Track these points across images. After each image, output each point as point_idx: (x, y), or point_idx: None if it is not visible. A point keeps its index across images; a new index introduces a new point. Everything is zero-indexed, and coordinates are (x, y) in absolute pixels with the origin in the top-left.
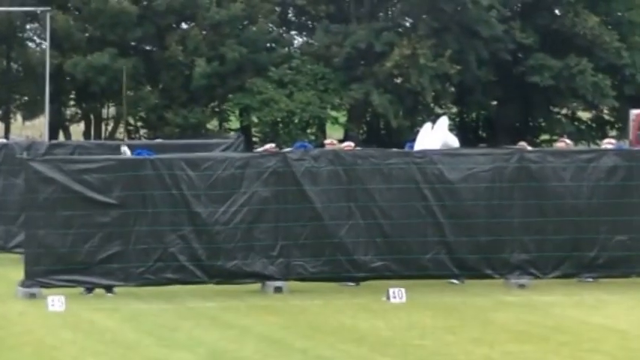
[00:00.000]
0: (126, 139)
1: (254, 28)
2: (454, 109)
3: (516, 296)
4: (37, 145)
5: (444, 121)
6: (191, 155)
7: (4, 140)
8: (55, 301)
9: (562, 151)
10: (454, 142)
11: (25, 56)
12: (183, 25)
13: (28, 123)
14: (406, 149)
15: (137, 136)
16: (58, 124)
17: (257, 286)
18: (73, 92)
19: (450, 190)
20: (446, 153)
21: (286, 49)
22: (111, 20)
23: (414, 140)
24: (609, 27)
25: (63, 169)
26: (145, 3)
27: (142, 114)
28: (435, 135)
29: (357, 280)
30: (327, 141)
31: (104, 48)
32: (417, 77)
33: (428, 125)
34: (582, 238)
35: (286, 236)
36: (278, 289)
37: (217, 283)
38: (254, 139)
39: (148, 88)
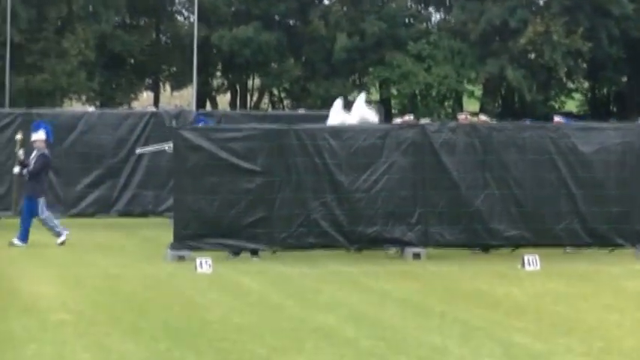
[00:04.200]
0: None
1: (393, 5)
2: (586, 84)
3: None
4: (185, 114)
5: (361, 98)
6: (333, 125)
7: (154, 109)
8: (203, 263)
9: None
10: (372, 116)
11: (173, 29)
12: (325, 1)
13: (176, 93)
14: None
15: (280, 106)
16: (205, 95)
17: (392, 251)
18: (220, 64)
19: (582, 162)
20: (579, 127)
21: (424, 24)
22: None
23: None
24: None
25: (210, 137)
26: None
27: (286, 85)
28: (354, 110)
29: (491, 248)
30: (461, 116)
31: (249, 22)
32: (550, 53)
33: (338, 101)
34: None
35: (424, 204)
36: (416, 256)
37: (358, 248)
38: (393, 110)
39: (291, 60)
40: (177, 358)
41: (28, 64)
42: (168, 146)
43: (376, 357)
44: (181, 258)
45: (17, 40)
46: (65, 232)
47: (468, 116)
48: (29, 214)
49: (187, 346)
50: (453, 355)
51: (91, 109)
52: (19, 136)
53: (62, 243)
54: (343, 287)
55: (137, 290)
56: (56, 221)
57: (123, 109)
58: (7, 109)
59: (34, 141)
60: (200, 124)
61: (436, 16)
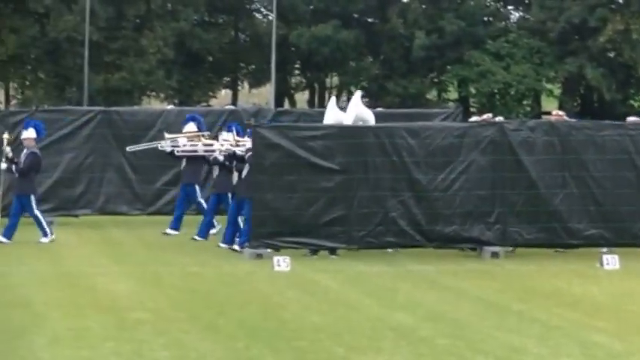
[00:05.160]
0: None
1: (472, 3)
2: None
3: None
4: (264, 112)
5: (357, 96)
6: (411, 124)
7: (232, 107)
8: (281, 261)
9: None
10: (369, 116)
11: (252, 27)
12: None
13: (254, 91)
14: None
15: None
16: (283, 93)
17: (469, 251)
18: (298, 62)
19: None
20: None
21: (503, 23)
22: None
23: None
24: None
25: (288, 135)
26: None
27: (364, 84)
28: (349, 109)
29: (570, 247)
30: (554, 112)
31: (328, 20)
32: (629, 52)
33: (333, 100)
34: None
35: (503, 203)
36: (494, 254)
37: (436, 247)
38: (471, 109)
39: (370, 58)
40: (254, 357)
41: (107, 62)
42: (160, 145)
43: (454, 356)
44: (259, 256)
45: (96, 39)
46: (51, 236)
47: (560, 112)
48: (18, 212)
49: (265, 344)
50: (532, 355)
51: (169, 107)
52: (5, 135)
53: (45, 242)
54: (420, 286)
55: (215, 288)
56: (48, 221)
57: (201, 107)
58: (85, 107)
59: (24, 139)
60: (190, 123)
61: (515, 15)
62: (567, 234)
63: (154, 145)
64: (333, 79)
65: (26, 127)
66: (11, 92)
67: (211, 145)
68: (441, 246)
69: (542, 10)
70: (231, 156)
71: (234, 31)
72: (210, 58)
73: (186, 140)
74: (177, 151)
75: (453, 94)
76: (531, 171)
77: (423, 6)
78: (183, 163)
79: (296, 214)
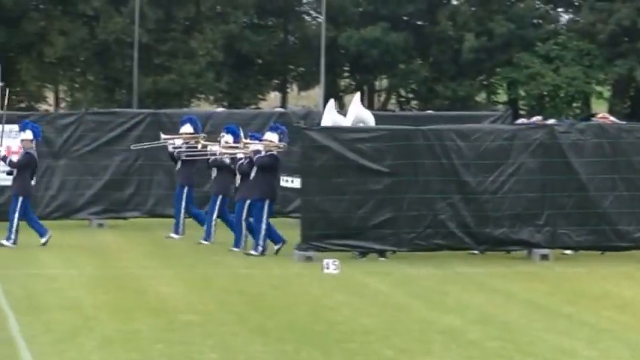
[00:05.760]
0: (397, 110)
1: (522, 5)
2: None
3: None
4: (313, 115)
5: (357, 97)
6: (461, 126)
7: (282, 109)
8: (330, 264)
9: None
10: (369, 117)
11: (301, 29)
12: (454, 1)
13: (303, 93)
14: None
15: (408, 107)
16: (332, 95)
17: (523, 253)
18: (347, 64)
19: None
20: None
21: (553, 25)
22: None
23: None
24: None
25: (338, 137)
26: None
27: (413, 86)
28: (350, 111)
29: (619, 250)
30: (600, 115)
31: (377, 22)
32: None
33: (331, 102)
34: None
35: (552, 206)
36: (544, 257)
37: (485, 249)
38: (521, 112)
39: (419, 61)
40: (304, 359)
41: (156, 64)
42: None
43: (503, 358)
44: (308, 258)
45: (145, 41)
46: (11, 243)
47: (606, 115)
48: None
49: (314, 347)
50: (581, 357)
51: (219, 109)
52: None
53: (4, 245)
54: (469, 289)
55: (264, 291)
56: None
57: (251, 110)
58: (135, 110)
59: (22, 140)
60: (187, 124)
61: (564, 17)
62: (617, 236)
63: (156, 145)
64: (382, 82)
65: (24, 129)
66: (60, 95)
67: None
68: (489, 249)
69: (592, 12)
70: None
71: (283, 34)
72: (260, 61)
73: (182, 141)
74: (182, 155)
75: (502, 97)
76: (581, 173)
77: (473, 8)
78: (179, 165)
79: (345, 216)
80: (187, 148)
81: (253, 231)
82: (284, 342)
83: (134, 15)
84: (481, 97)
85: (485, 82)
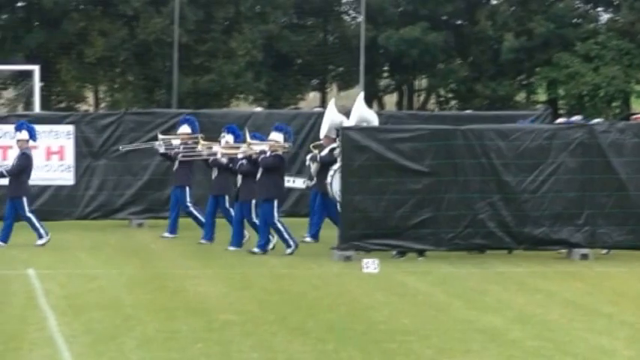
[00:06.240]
0: (437, 110)
1: (561, 5)
2: None
3: None
4: None
5: (360, 97)
6: (500, 126)
7: (321, 109)
8: (370, 263)
9: None
10: (372, 116)
11: (341, 29)
12: (493, 1)
13: (343, 93)
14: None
15: (447, 107)
16: (372, 95)
17: (563, 252)
18: (387, 64)
19: None
20: None
21: (592, 24)
22: None
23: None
24: None
25: (377, 137)
26: None
27: (453, 86)
28: (353, 110)
29: None
30: (636, 116)
31: (416, 22)
32: None
33: (332, 101)
34: None
35: (592, 205)
36: (584, 256)
37: (525, 249)
38: (560, 111)
39: (458, 60)
40: (344, 359)
41: (196, 64)
42: (158, 144)
43: (543, 358)
44: (348, 258)
45: (185, 41)
46: (47, 237)
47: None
48: (11, 214)
49: (354, 346)
50: (621, 357)
51: (258, 109)
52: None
53: (41, 244)
54: (509, 288)
55: (304, 290)
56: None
57: (290, 110)
58: (174, 110)
59: (18, 141)
60: (184, 125)
61: (604, 16)
62: None
63: (149, 146)
64: (422, 82)
65: (19, 130)
66: (100, 95)
67: (210, 147)
68: (529, 248)
69: (632, 12)
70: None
71: (322, 34)
72: (299, 61)
73: (179, 142)
74: (180, 155)
75: (541, 96)
76: (621, 173)
77: (512, 8)
78: (176, 165)
79: (384, 216)
80: (184, 148)
81: (258, 230)
82: (324, 342)
83: (174, 15)
84: (520, 96)
85: (524, 82)
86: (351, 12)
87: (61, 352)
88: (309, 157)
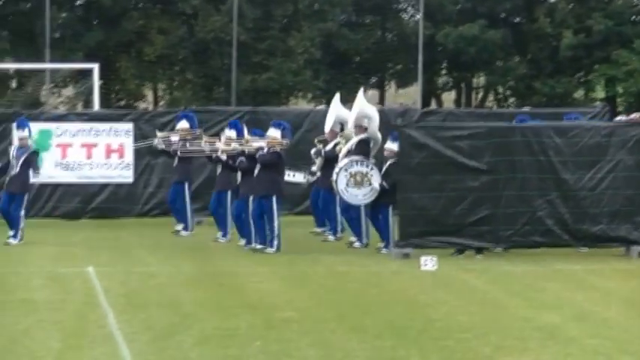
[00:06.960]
0: (495, 107)
1: (620, 2)
2: None
3: None
4: (411, 112)
5: (361, 93)
6: (558, 123)
7: (380, 107)
8: (428, 261)
9: None
10: (373, 112)
11: (399, 27)
12: None
13: (401, 91)
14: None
15: (505, 104)
16: (430, 93)
17: (622, 250)
18: (445, 62)
19: None
20: None
21: None
22: None
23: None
24: None
25: (435, 135)
26: None
27: (511, 83)
28: (354, 106)
29: None
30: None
31: (474, 19)
32: None
33: (337, 96)
34: None
35: None
36: None
37: (583, 246)
38: (619, 109)
39: (517, 58)
40: (401, 357)
41: (254, 62)
42: (157, 140)
43: (602, 356)
44: (406, 256)
45: (243, 39)
46: (20, 241)
47: None
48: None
49: (411, 344)
50: None
51: (317, 107)
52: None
53: (8, 244)
54: (568, 285)
55: (362, 288)
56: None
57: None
58: (233, 107)
59: (20, 139)
60: (183, 120)
61: None
62: None
63: (149, 144)
64: (480, 79)
65: (22, 127)
66: (159, 93)
67: (213, 143)
68: (588, 245)
69: None
70: (241, 155)
71: (380, 31)
72: (357, 58)
73: (178, 138)
74: (180, 152)
75: (600, 94)
76: None
77: (570, 5)
78: (176, 161)
79: (443, 213)
80: (185, 144)
81: (257, 227)
82: (381, 339)
83: (232, 13)
84: (579, 94)
85: (582, 80)
86: (409, 9)
87: (120, 349)
88: (313, 151)
